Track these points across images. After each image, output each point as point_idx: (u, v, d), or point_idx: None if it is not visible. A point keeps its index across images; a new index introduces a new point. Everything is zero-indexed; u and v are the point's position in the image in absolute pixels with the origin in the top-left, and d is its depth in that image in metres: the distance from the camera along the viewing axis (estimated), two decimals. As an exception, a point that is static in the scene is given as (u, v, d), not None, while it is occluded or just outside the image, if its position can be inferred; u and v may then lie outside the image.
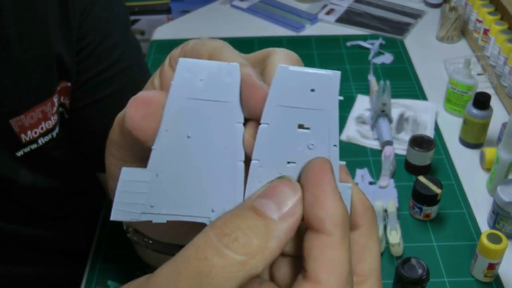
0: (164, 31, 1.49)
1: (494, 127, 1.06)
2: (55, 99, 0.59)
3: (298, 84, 0.25)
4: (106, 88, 0.64)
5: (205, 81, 0.25)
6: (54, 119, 0.60)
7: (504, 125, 1.03)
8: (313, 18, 1.50)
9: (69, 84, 0.62)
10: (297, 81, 0.25)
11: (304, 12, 1.53)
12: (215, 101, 0.25)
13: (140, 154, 0.29)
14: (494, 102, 1.11)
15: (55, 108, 0.60)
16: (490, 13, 1.29)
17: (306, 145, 0.25)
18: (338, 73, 0.25)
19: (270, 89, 0.25)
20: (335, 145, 0.25)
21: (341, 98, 0.25)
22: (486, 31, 1.29)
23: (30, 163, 0.61)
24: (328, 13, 1.52)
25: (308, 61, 1.30)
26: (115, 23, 0.63)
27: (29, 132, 0.58)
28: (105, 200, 0.87)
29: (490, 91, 1.13)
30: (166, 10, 2.13)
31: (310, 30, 1.46)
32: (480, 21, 1.32)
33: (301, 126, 0.25)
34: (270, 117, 0.25)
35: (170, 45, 1.44)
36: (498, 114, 1.10)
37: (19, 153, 0.59)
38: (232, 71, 0.25)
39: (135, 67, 0.66)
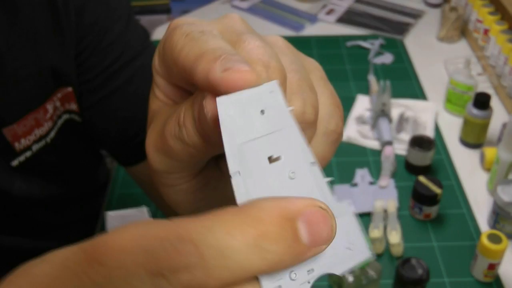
0: (164, 31, 1.48)
1: (494, 127, 1.06)
2: (49, 106, 0.59)
3: (244, 111, 0.22)
4: (113, 81, 0.63)
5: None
6: (48, 125, 0.59)
7: (504, 125, 1.03)
8: (313, 18, 1.50)
9: (69, 89, 0.61)
10: (242, 108, 0.22)
11: (304, 12, 1.53)
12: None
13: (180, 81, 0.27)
14: (494, 102, 1.11)
15: (48, 115, 0.59)
16: (490, 13, 1.29)
17: (287, 176, 0.22)
18: (274, 83, 0.22)
19: (221, 129, 0.21)
20: (312, 163, 0.22)
21: (291, 107, 0.23)
22: (486, 31, 1.29)
23: (25, 172, 0.60)
24: (328, 13, 1.52)
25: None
26: (115, 17, 0.61)
27: (22, 140, 0.58)
28: (103, 205, 0.87)
29: (490, 91, 1.13)
30: (166, 10, 2.13)
31: (310, 30, 1.46)
32: (480, 21, 1.32)
33: (271, 159, 0.22)
34: (237, 162, 0.21)
35: (170, 45, 1.44)
36: (498, 114, 1.10)
37: (14, 163, 0.59)
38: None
39: (141, 56, 0.64)
